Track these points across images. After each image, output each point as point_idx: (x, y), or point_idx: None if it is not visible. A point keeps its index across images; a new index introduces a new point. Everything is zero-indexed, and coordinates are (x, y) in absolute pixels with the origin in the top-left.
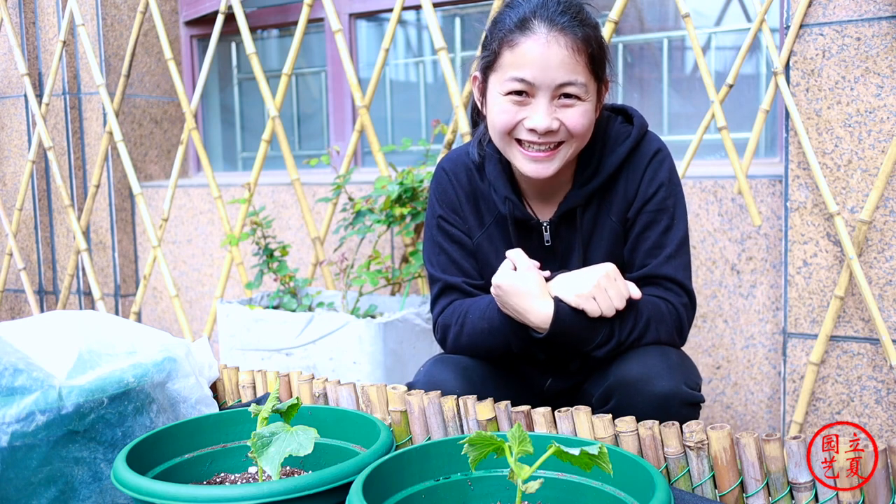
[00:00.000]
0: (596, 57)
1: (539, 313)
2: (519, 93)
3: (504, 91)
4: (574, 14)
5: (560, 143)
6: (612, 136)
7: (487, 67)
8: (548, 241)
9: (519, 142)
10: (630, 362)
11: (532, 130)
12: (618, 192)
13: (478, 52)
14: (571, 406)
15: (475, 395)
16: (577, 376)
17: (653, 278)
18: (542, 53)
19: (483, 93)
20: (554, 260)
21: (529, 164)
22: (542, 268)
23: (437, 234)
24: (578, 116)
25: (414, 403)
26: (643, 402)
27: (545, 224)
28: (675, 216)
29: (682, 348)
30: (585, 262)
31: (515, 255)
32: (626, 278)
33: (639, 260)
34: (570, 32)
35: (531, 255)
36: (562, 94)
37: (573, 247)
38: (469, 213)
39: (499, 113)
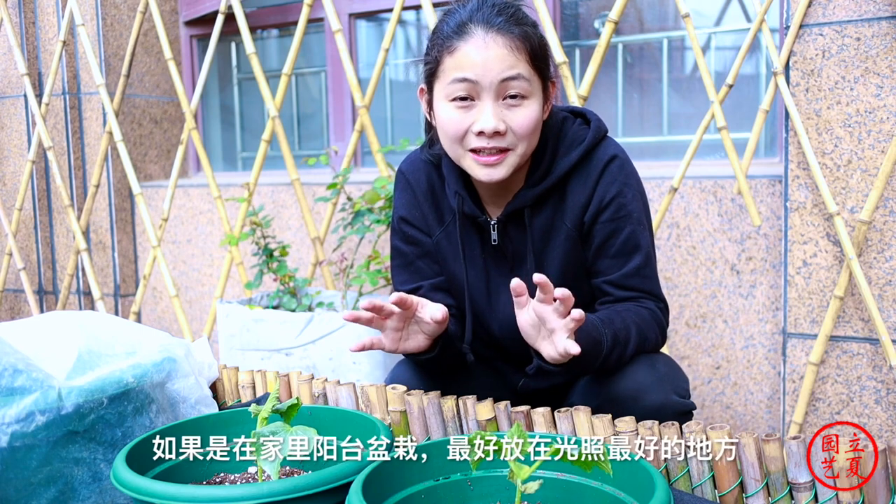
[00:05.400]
0: (537, 52)
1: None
2: (464, 98)
3: (449, 96)
4: (510, 14)
5: (507, 150)
6: (567, 138)
7: (431, 76)
8: (495, 241)
9: (470, 150)
10: (618, 377)
11: (480, 133)
12: (572, 198)
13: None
14: (546, 406)
15: (475, 396)
16: (554, 377)
17: (622, 289)
18: (482, 54)
19: (430, 105)
20: (504, 262)
21: (482, 169)
22: (493, 270)
23: (397, 238)
24: (524, 117)
25: (413, 403)
26: (635, 417)
27: (493, 223)
28: (638, 223)
29: (675, 349)
30: (539, 268)
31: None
32: (592, 286)
33: (604, 270)
34: (506, 32)
35: (481, 256)
36: (507, 94)
37: (524, 250)
38: (428, 211)
39: (447, 121)
